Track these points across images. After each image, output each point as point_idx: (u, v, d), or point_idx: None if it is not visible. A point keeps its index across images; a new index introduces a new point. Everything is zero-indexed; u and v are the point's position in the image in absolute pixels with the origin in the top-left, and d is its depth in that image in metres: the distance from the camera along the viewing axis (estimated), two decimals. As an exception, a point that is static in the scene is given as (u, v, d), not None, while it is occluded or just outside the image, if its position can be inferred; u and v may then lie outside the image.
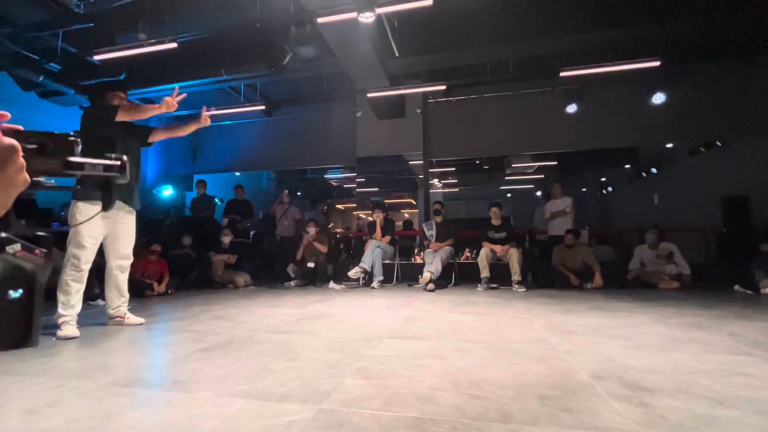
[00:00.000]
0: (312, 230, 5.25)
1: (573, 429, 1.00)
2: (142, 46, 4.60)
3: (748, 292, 4.09)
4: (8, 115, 0.41)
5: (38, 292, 0.41)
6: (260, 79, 6.54)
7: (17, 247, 0.40)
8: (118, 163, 0.48)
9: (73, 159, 0.43)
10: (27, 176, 0.37)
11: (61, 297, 2.22)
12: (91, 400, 1.24)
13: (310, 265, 5.11)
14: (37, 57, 5.26)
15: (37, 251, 0.41)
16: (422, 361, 1.62)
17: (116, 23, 4.95)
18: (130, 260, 2.63)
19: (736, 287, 4.27)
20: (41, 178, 0.41)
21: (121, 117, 2.33)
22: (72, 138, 0.43)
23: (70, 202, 2.27)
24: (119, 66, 5.64)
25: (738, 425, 1.03)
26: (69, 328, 2.16)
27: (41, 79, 5.50)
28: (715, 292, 4.14)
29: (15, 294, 0.40)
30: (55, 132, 0.42)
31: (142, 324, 2.56)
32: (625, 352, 1.74)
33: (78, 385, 1.37)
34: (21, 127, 0.41)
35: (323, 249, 5.19)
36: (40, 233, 0.42)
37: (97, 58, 4.96)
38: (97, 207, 2.13)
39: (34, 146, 0.40)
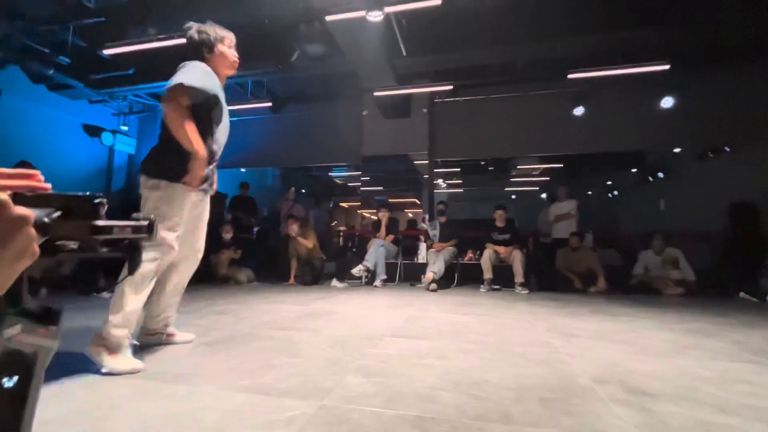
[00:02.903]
0: (293, 228, 5.12)
1: (573, 432, 1.00)
2: (152, 41, 4.63)
3: (754, 299, 4.05)
4: (38, 173, 0.39)
5: (35, 380, 0.35)
6: (267, 76, 6.55)
7: (15, 330, 0.35)
8: (146, 223, 0.45)
9: (100, 223, 0.40)
10: (36, 249, 0.34)
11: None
12: (96, 390, 1.25)
13: (294, 263, 5.11)
14: (48, 50, 5.31)
15: (42, 330, 0.39)
16: (423, 360, 1.62)
17: (127, 18, 4.99)
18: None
19: (742, 294, 4.23)
20: (64, 242, 0.39)
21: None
22: (98, 200, 0.41)
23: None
24: (129, 61, 5.67)
25: (740, 433, 1.02)
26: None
27: (51, 72, 5.54)
28: (720, 299, 4.11)
29: (9, 382, 0.35)
30: (80, 194, 0.40)
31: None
32: (628, 357, 1.73)
33: (82, 376, 1.39)
34: (49, 187, 0.40)
35: (308, 244, 5.10)
36: (51, 307, 0.37)
37: (107, 52, 5.00)
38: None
39: (58, 212, 0.38)
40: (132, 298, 1.52)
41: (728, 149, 6.83)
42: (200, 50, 1.69)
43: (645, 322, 2.62)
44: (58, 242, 0.38)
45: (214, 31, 1.72)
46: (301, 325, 2.33)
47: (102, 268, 3.81)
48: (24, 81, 6.03)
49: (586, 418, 1.09)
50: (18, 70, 5.87)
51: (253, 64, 5.59)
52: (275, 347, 1.80)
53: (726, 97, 6.12)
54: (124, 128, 7.36)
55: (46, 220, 0.36)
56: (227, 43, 1.75)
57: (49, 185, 0.40)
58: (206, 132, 1.64)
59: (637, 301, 3.76)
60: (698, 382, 1.41)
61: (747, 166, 6.56)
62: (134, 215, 0.45)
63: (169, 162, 1.56)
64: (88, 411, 1.09)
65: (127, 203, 7.20)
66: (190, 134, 1.52)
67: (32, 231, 0.33)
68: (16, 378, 0.37)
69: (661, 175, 9.09)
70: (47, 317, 0.40)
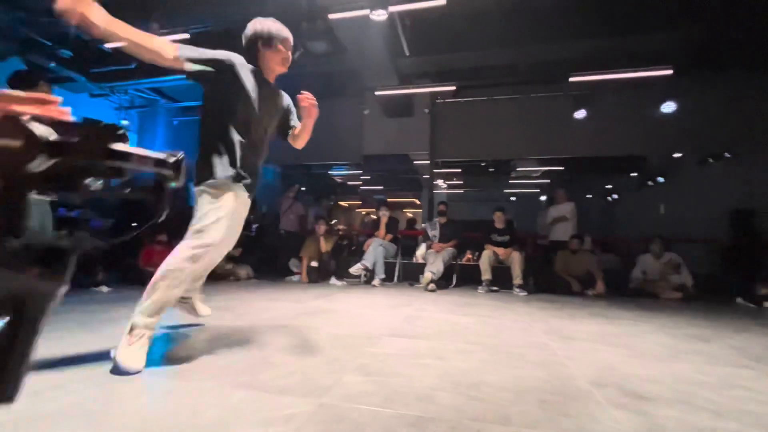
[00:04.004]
0: (322, 228, 5.27)
1: (571, 434, 1.01)
2: (155, 35, 4.62)
3: (751, 305, 4.07)
4: (58, 100, 0.36)
5: (27, 325, 0.34)
6: (269, 73, 6.54)
7: None
8: (173, 159, 0.40)
9: (117, 147, 0.37)
10: None
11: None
12: (94, 385, 1.25)
13: (314, 264, 5.12)
14: (49, 43, 5.29)
15: (34, 270, 0.33)
16: (422, 360, 1.62)
17: (129, 12, 4.97)
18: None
19: (739, 300, 4.25)
20: (88, 180, 0.36)
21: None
22: (121, 131, 0.38)
23: None
24: (130, 55, 5.66)
25: (737, 438, 1.03)
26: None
27: (52, 65, 5.53)
28: (718, 304, 4.12)
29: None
30: (102, 123, 0.37)
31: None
32: (626, 361, 1.74)
33: (81, 369, 1.38)
34: (68, 112, 0.37)
35: (325, 248, 5.18)
36: (57, 245, 0.35)
37: (109, 46, 4.98)
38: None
39: (75, 139, 0.35)
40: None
41: (728, 155, 6.84)
42: (255, 42, 1.65)
43: (643, 326, 2.63)
44: (84, 181, 0.35)
45: (275, 26, 1.69)
46: (300, 323, 2.33)
47: (101, 261, 3.80)
48: (25, 73, 6.01)
49: (583, 420, 1.09)
50: (19, 62, 5.85)
51: (256, 61, 5.58)
52: (274, 345, 1.80)
53: (727, 102, 6.13)
54: (125, 123, 7.34)
55: (52, 138, 0.33)
56: (286, 44, 1.71)
57: (69, 114, 0.37)
58: (224, 116, 1.51)
59: (636, 305, 3.77)
60: (696, 386, 1.41)
61: (747, 173, 6.57)
62: (162, 151, 0.41)
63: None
64: (86, 405, 1.09)
65: (126, 198, 7.18)
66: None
67: None
68: (6, 320, 0.33)
69: (661, 179, 9.11)
70: (46, 257, 0.35)
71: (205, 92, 1.54)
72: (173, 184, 0.41)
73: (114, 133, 0.37)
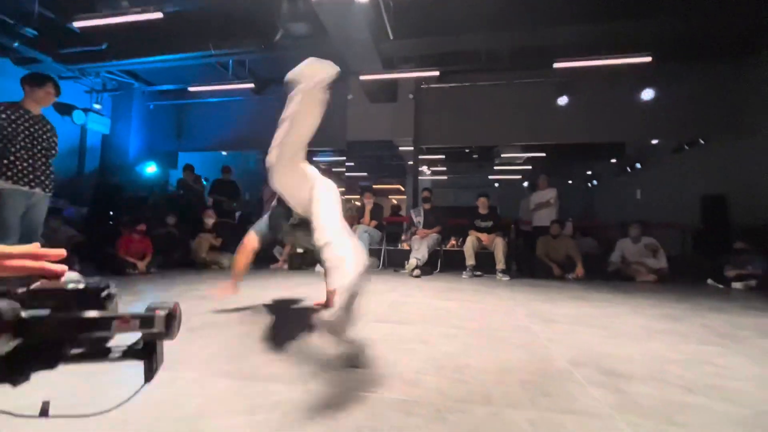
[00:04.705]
0: None
1: (551, 412, 1.04)
2: (125, 14, 4.39)
3: (720, 286, 4.27)
4: (50, 254, 0.33)
5: None
6: (249, 56, 6.34)
7: None
8: (163, 314, 0.34)
9: (90, 314, 0.31)
10: None
11: None
12: (74, 377, 1.22)
13: (300, 250, 5.08)
14: (12, 21, 4.98)
15: None
16: (407, 345, 1.64)
17: (98, -11, 4.71)
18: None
19: (709, 281, 4.44)
20: (64, 351, 0.31)
21: None
22: (105, 293, 0.32)
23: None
24: (100, 35, 5.39)
25: (706, 411, 1.08)
26: None
27: (16, 44, 5.22)
28: (690, 285, 4.30)
29: None
30: (83, 287, 0.32)
31: None
32: (603, 341, 1.80)
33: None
34: (62, 271, 0.32)
35: None
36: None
37: (77, 25, 4.73)
38: None
39: (46, 312, 0.30)
40: None
41: (703, 142, 7.06)
42: None
43: (620, 308, 2.72)
44: (60, 353, 0.32)
45: None
46: (285, 310, 2.32)
47: (76, 251, 3.68)
48: (-13, 53, 5.66)
49: (563, 399, 1.13)
50: (-21, 41, 5.50)
51: (235, 43, 5.40)
52: (258, 333, 1.79)
53: (703, 91, 6.29)
54: (98, 107, 7.02)
55: (24, 315, 0.29)
56: None
57: (62, 269, 0.34)
58: None
59: (613, 288, 3.90)
60: (668, 364, 1.48)
61: (720, 159, 6.80)
62: (151, 304, 0.34)
63: None
64: (65, 398, 1.07)
65: (101, 186, 6.93)
66: None
67: None
68: None
69: (638, 165, 9.35)
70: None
71: None
72: (166, 339, 0.35)
73: (96, 296, 0.33)
